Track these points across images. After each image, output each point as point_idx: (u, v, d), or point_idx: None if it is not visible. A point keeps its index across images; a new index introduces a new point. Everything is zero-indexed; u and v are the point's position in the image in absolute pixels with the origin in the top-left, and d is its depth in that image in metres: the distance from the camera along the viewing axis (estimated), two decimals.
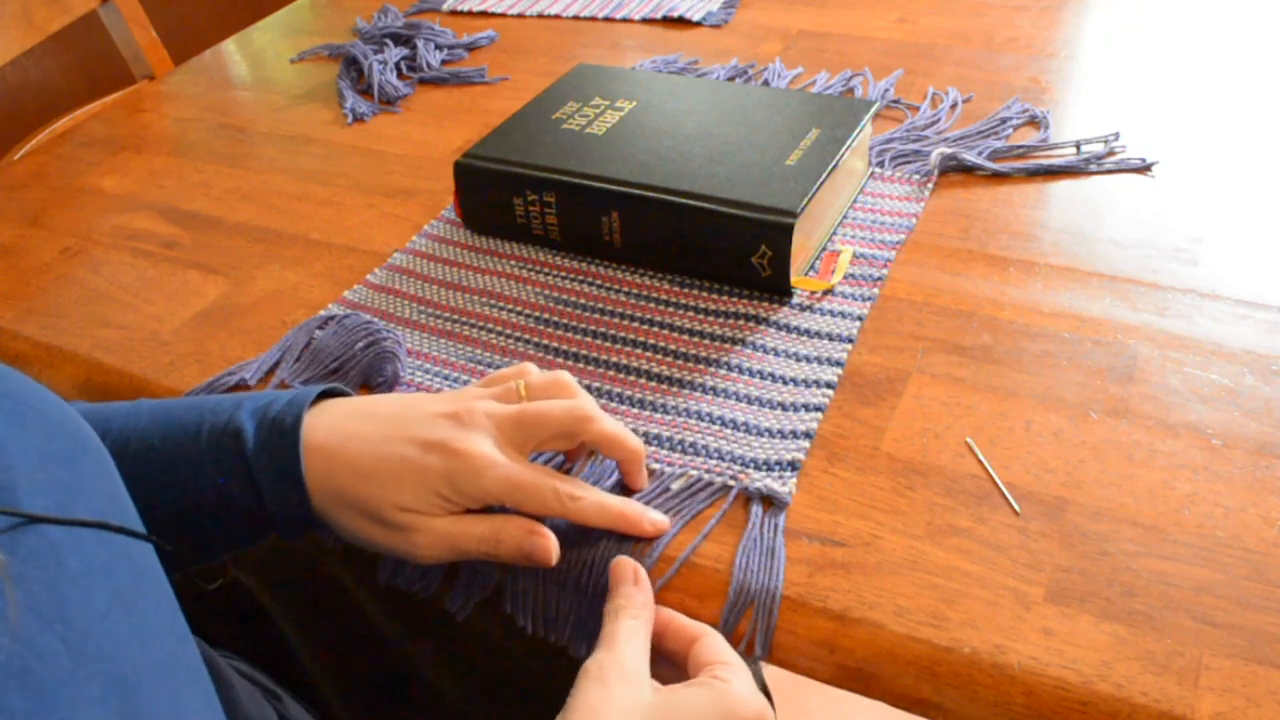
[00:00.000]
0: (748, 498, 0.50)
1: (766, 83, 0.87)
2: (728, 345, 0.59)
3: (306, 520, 0.46)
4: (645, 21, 1.02)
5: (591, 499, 0.46)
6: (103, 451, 0.35)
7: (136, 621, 0.31)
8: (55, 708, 0.26)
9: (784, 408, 0.55)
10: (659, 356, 0.59)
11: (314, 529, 0.48)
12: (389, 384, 0.58)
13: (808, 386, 0.56)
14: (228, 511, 0.46)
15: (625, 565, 0.45)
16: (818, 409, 0.54)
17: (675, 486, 0.50)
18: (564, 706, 0.40)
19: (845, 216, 0.70)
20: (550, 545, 0.45)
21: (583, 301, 0.64)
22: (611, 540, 0.48)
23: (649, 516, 0.47)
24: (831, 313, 0.61)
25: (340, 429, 0.46)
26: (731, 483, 0.50)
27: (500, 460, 0.45)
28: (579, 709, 0.39)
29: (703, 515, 0.49)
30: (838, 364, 0.57)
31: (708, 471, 0.51)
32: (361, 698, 0.61)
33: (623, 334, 0.61)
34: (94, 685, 0.28)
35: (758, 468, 0.51)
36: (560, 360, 0.59)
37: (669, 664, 0.45)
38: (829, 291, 0.63)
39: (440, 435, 0.45)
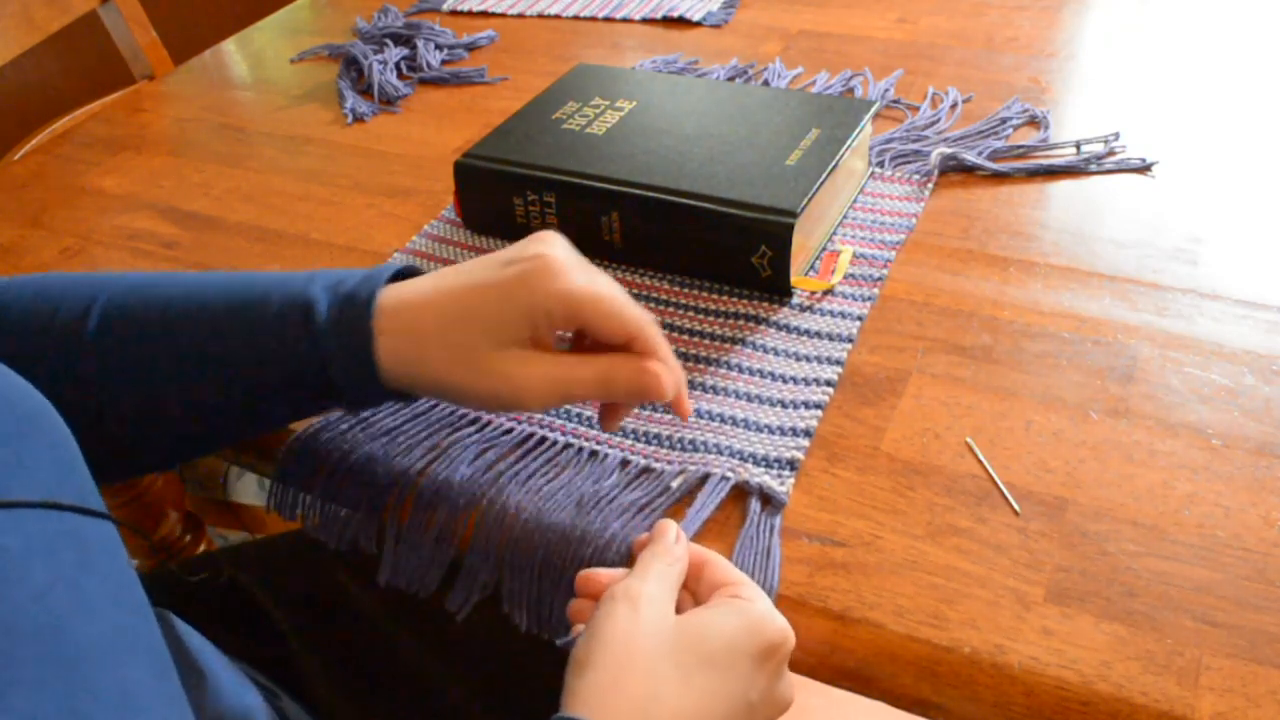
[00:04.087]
0: (746, 495, 0.50)
1: (766, 83, 0.87)
2: (728, 345, 0.59)
3: (375, 390, 0.45)
4: (645, 21, 1.02)
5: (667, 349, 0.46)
6: (57, 425, 0.34)
7: (80, 597, 0.30)
8: None
9: (783, 405, 0.55)
10: None
11: (382, 400, 0.47)
12: None
13: (807, 385, 0.56)
14: (294, 380, 0.46)
15: (668, 525, 0.45)
16: (817, 407, 0.54)
17: (674, 484, 0.50)
18: (588, 631, 0.40)
19: (845, 216, 0.70)
20: (665, 377, 0.45)
21: None
22: (605, 540, 0.48)
23: (685, 396, 0.48)
24: (831, 313, 0.61)
25: (421, 285, 0.46)
26: (730, 474, 0.50)
27: (579, 269, 0.44)
28: (607, 632, 0.39)
29: (701, 514, 0.49)
30: (838, 364, 0.57)
31: (706, 466, 0.51)
32: (361, 697, 0.61)
33: None
34: (29, 668, 0.27)
35: (756, 463, 0.51)
36: None
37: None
38: (829, 291, 0.63)
39: (517, 249, 0.45)
